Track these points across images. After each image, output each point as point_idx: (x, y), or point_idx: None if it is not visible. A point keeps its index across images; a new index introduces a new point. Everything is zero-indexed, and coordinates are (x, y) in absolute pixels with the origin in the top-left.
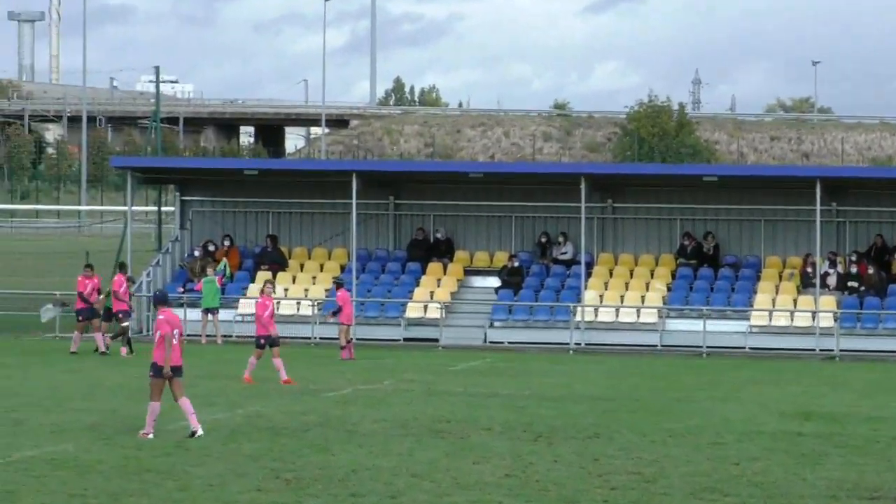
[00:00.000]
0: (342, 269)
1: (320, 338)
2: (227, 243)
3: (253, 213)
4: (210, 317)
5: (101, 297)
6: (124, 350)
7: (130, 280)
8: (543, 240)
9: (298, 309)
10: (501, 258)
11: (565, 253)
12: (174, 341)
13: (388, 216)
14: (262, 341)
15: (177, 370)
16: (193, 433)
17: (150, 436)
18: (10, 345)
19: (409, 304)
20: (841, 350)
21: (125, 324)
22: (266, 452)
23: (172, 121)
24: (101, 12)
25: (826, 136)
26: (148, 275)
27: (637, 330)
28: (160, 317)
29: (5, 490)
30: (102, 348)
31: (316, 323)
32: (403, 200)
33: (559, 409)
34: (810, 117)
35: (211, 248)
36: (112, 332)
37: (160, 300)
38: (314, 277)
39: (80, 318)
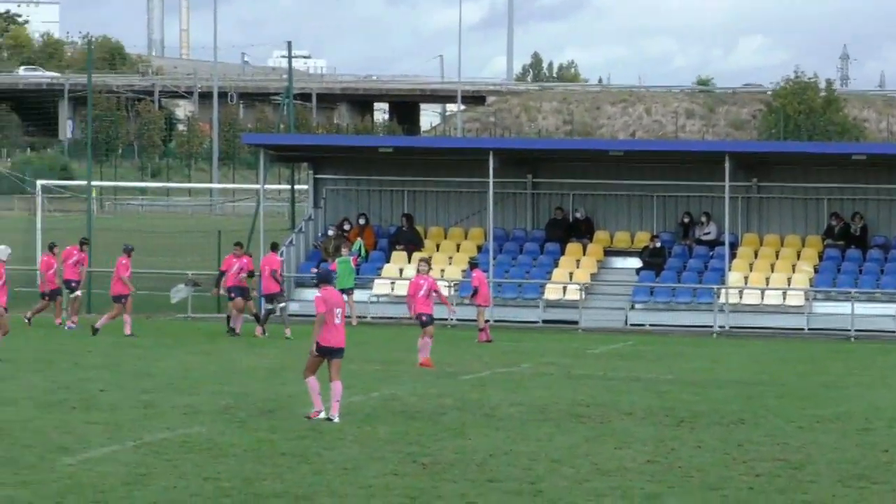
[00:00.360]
0: (479, 249)
1: (457, 319)
2: (362, 222)
3: (388, 192)
4: (345, 297)
5: (244, 276)
6: (259, 330)
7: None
8: (686, 220)
9: None
10: (643, 238)
11: (708, 233)
12: (336, 321)
13: (525, 195)
14: (425, 318)
15: (338, 351)
16: (330, 419)
17: (322, 414)
18: (142, 325)
19: (548, 286)
20: None
21: (281, 304)
22: (401, 436)
23: (305, 97)
24: None
25: None
26: (281, 254)
27: (782, 313)
28: (318, 295)
29: (137, 473)
30: (238, 329)
31: (453, 303)
32: (542, 179)
33: (702, 394)
34: None
35: (346, 227)
36: (252, 313)
37: (323, 279)
38: (450, 258)
39: (232, 295)
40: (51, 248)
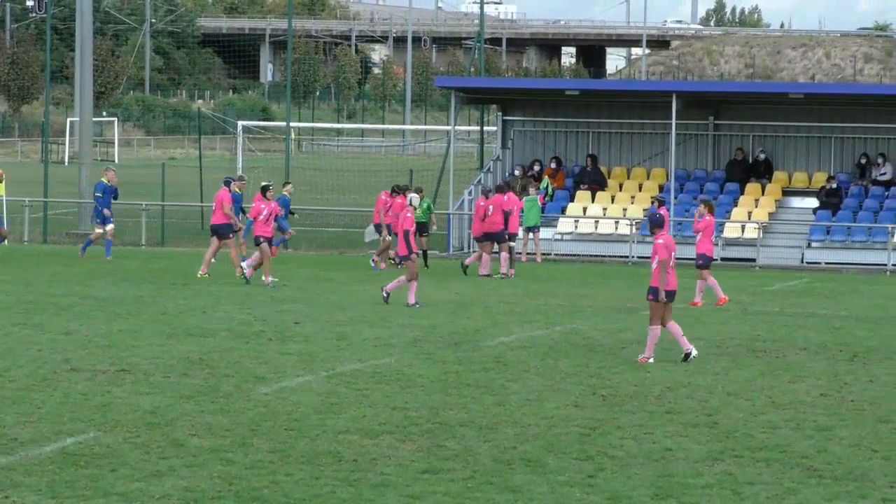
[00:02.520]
0: (660, 189)
1: (638, 256)
2: (554, 165)
3: (573, 133)
4: (531, 235)
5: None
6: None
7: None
8: (863, 161)
9: (616, 228)
10: (820, 179)
11: (884, 174)
12: (671, 264)
13: (707, 136)
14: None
15: (671, 295)
16: (687, 355)
17: (651, 360)
18: (337, 261)
19: (727, 224)
20: None
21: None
22: (582, 369)
23: (495, 41)
24: None
25: None
26: (469, 193)
27: None
28: (658, 241)
29: (329, 402)
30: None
31: (634, 242)
32: (723, 121)
33: (875, 331)
34: None
35: (536, 168)
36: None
37: (657, 223)
38: (633, 197)
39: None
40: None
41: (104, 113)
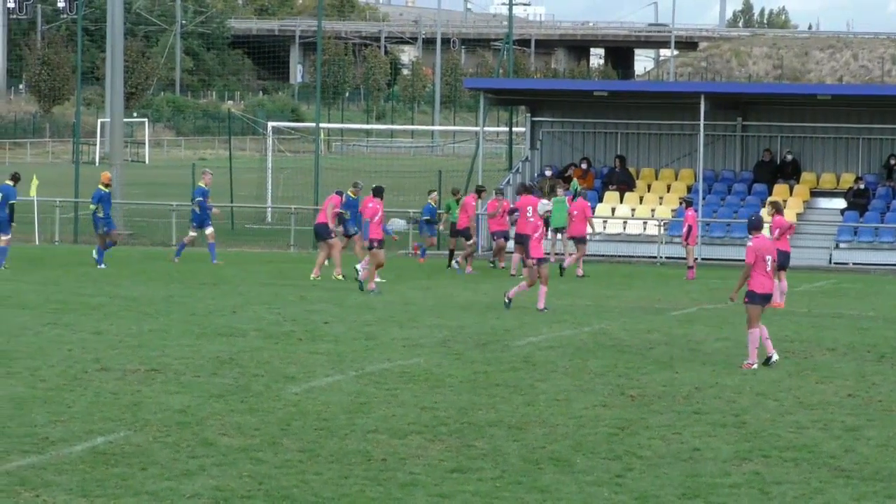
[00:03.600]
0: (689, 189)
1: (666, 257)
2: (584, 166)
3: (601, 134)
4: (559, 236)
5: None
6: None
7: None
8: (892, 162)
9: (645, 229)
10: (847, 180)
11: None
12: (767, 267)
13: (735, 137)
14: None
15: (765, 298)
16: (768, 359)
17: (755, 366)
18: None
19: None
20: None
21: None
22: (611, 369)
23: (524, 43)
24: None
25: None
26: (497, 192)
27: None
28: (750, 243)
29: (359, 401)
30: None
31: (662, 243)
32: (751, 122)
33: None
34: None
35: (570, 172)
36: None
37: (754, 226)
38: (661, 198)
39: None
40: (478, 191)
41: (135, 114)
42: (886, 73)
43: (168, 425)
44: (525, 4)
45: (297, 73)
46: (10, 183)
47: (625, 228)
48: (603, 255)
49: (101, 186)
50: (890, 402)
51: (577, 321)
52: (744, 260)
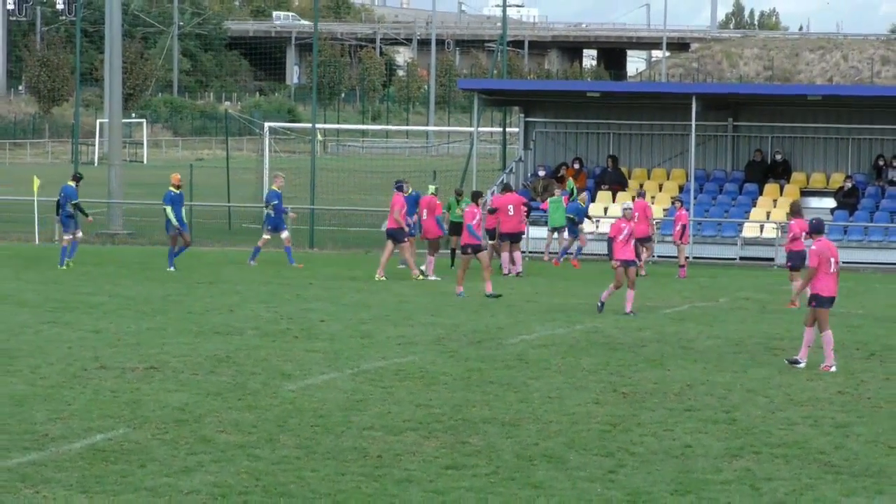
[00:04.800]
0: (680, 189)
1: (658, 256)
2: (577, 166)
3: (594, 135)
4: (556, 235)
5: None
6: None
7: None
8: (880, 162)
9: None
10: (837, 180)
11: None
12: (831, 269)
13: (726, 138)
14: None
15: (830, 301)
16: (796, 362)
17: (833, 368)
18: (361, 260)
19: (746, 224)
20: None
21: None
22: (603, 366)
23: (518, 44)
24: None
25: None
26: (492, 193)
27: None
28: (813, 246)
29: (354, 399)
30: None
31: (654, 241)
32: (742, 122)
33: (892, 329)
34: None
35: (562, 172)
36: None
37: (815, 229)
38: (653, 197)
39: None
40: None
41: (133, 114)
42: (876, 73)
43: (166, 422)
44: (518, 6)
45: (293, 74)
46: (72, 183)
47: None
48: (597, 254)
49: (171, 188)
50: (878, 399)
51: (570, 319)
52: (734, 259)
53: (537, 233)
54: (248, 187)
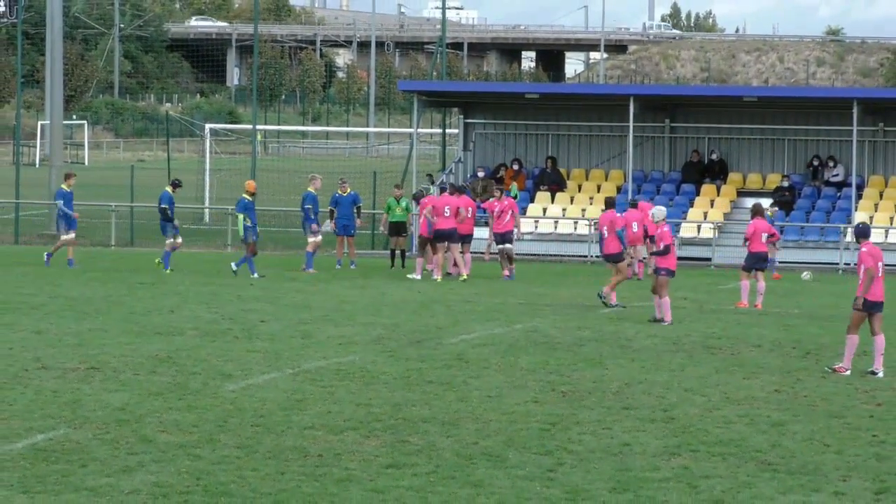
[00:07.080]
0: (618, 190)
1: (596, 256)
2: (515, 167)
3: (533, 136)
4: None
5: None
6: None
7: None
8: (815, 162)
9: (576, 228)
10: (774, 180)
11: (836, 175)
12: (878, 274)
13: (663, 139)
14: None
15: (878, 305)
16: (873, 373)
17: (847, 372)
18: (302, 261)
19: (683, 225)
20: None
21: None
22: (542, 366)
23: (457, 46)
24: None
25: None
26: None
27: None
28: (863, 249)
29: (295, 398)
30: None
31: (592, 242)
32: (679, 123)
33: (828, 328)
34: None
35: (501, 172)
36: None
37: (862, 233)
38: (591, 198)
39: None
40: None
41: (74, 116)
42: (811, 75)
43: (107, 422)
44: (458, 8)
45: (234, 75)
46: (170, 189)
47: (556, 228)
48: (535, 255)
49: (245, 195)
50: (814, 398)
51: (509, 319)
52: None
53: (478, 233)
54: (190, 188)
